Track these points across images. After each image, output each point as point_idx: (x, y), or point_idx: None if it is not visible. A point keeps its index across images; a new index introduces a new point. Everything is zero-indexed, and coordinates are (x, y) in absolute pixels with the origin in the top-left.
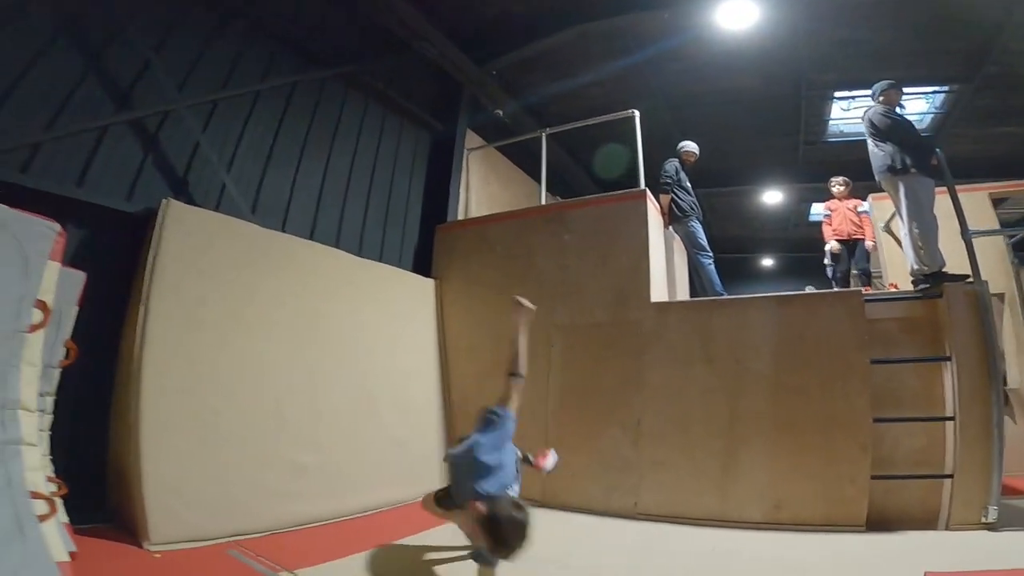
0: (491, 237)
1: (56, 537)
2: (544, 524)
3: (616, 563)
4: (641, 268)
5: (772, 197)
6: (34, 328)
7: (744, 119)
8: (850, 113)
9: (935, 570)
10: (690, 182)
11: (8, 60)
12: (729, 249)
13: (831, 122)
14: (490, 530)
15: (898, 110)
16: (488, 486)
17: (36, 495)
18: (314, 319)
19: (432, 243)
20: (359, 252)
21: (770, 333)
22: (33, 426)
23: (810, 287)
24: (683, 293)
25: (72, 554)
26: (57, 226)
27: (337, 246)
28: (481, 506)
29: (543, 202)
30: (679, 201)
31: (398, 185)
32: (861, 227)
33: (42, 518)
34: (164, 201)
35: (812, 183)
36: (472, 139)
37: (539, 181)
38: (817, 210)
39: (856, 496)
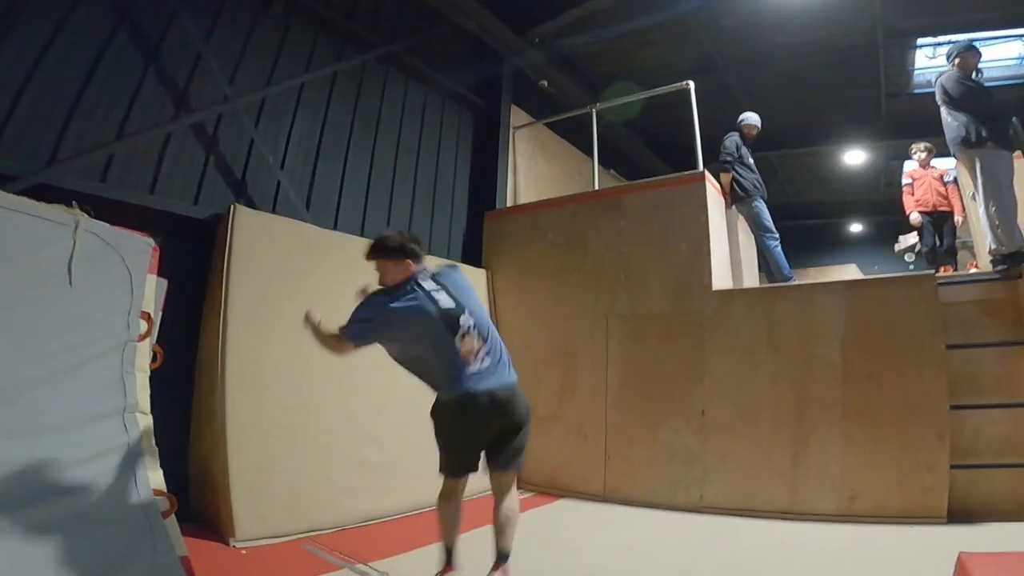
0: (543, 224)
1: (177, 533)
2: (606, 517)
3: (681, 552)
4: (702, 254)
5: (855, 157)
6: (142, 337)
7: (813, 73)
8: (936, 60)
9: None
10: (752, 157)
11: (74, 60)
12: (810, 215)
13: (916, 71)
14: None
15: (975, 75)
16: None
17: (158, 492)
18: None
19: (481, 230)
20: None
21: (839, 319)
22: (149, 428)
23: (910, 255)
24: (751, 275)
25: None
26: (152, 241)
27: None
28: None
29: (596, 184)
30: (741, 180)
31: (443, 171)
32: (948, 199)
33: (165, 515)
34: (232, 207)
35: (901, 139)
36: (517, 116)
37: (590, 154)
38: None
39: (935, 486)
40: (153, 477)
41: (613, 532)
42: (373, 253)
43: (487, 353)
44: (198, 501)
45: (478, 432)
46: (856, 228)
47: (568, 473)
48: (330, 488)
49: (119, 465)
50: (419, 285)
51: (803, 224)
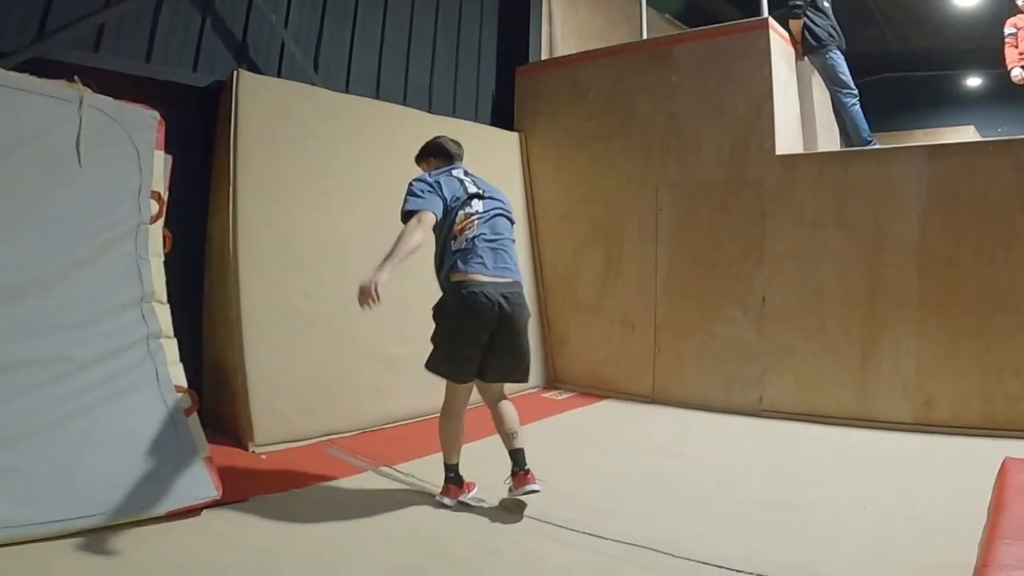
0: (583, 81)
1: (200, 432)
2: (655, 418)
3: (737, 457)
4: (763, 114)
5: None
6: (154, 219)
7: None
8: None
9: None
10: (828, 1)
11: None
12: (917, 66)
13: None
14: None
15: None
16: None
17: (179, 389)
18: (393, 187)
19: (512, 88)
20: (429, 108)
21: (918, 191)
22: (167, 318)
23: None
24: (829, 138)
25: None
26: (157, 114)
27: (404, 103)
28: None
29: (644, 33)
30: (814, 27)
31: (468, 20)
32: None
33: (187, 412)
34: (235, 72)
35: None
36: None
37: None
38: None
39: (1022, 394)
40: (174, 372)
41: (663, 435)
42: (420, 155)
43: (488, 242)
44: (213, 401)
45: (482, 328)
46: (974, 83)
47: (612, 370)
48: (353, 387)
49: (139, 360)
50: (452, 172)
51: (909, 77)
